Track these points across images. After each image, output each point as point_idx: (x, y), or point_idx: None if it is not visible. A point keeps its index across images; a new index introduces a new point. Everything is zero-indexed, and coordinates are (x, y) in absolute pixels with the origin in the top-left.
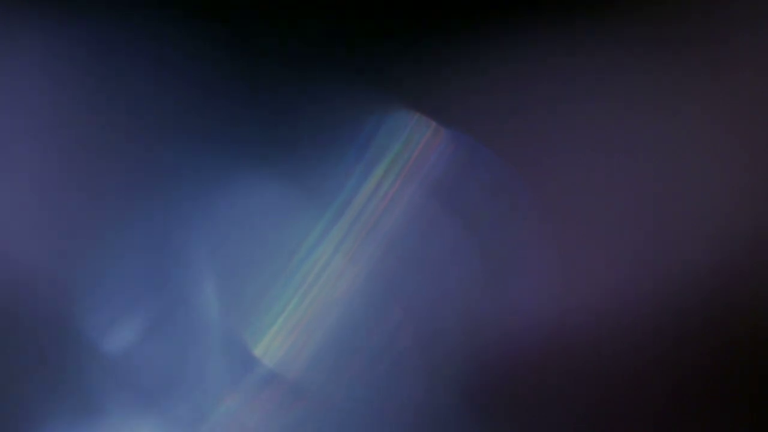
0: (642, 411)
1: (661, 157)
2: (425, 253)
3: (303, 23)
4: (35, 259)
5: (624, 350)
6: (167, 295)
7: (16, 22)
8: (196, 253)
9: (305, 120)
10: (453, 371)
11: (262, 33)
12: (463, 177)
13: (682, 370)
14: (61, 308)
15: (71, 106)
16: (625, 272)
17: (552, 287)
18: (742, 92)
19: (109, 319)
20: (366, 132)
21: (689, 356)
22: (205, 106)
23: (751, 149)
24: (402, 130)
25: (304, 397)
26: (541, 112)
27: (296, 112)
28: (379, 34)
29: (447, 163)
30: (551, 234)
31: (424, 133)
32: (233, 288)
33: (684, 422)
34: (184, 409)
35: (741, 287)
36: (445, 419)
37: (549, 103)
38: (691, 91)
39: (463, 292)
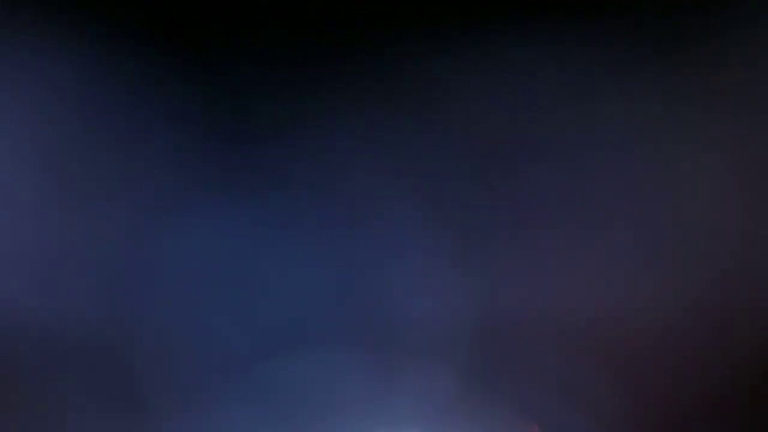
0: (656, 408)
1: (663, 159)
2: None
3: (303, 26)
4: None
5: (633, 348)
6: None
7: (21, 46)
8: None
9: (305, 123)
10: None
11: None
12: None
13: (693, 368)
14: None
15: (76, 119)
16: (631, 272)
17: (563, 288)
18: (743, 93)
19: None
20: None
21: (698, 355)
22: (205, 111)
23: (752, 150)
24: None
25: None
26: (543, 113)
27: (295, 114)
28: (380, 37)
29: None
30: (558, 237)
31: None
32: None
33: (691, 420)
34: None
35: (744, 286)
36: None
37: (551, 104)
38: (692, 93)
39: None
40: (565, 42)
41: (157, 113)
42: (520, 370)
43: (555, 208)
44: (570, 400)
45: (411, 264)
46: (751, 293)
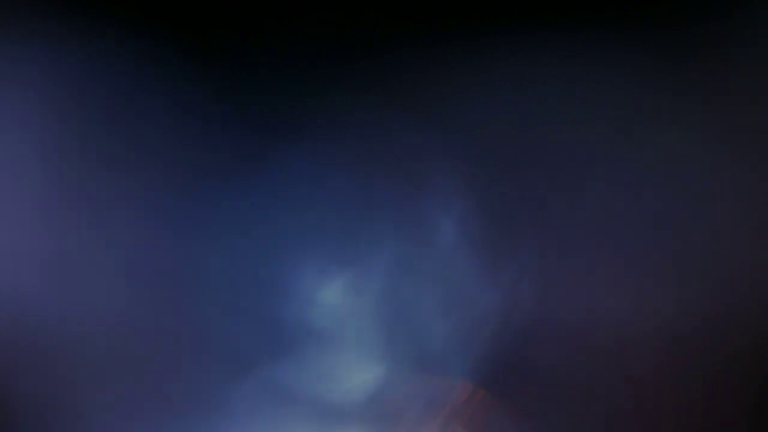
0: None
1: (665, 162)
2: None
3: (304, 27)
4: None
5: (640, 352)
6: None
7: (21, 46)
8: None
9: (307, 122)
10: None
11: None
12: None
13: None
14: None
15: (79, 116)
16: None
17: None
18: (743, 96)
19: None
20: None
21: (700, 357)
22: (207, 108)
23: (752, 154)
24: None
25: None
26: (545, 114)
27: (297, 113)
28: (381, 38)
29: None
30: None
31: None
32: None
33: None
34: None
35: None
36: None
37: (553, 106)
38: (693, 95)
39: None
40: (568, 43)
41: (160, 112)
42: (524, 372)
43: (557, 210)
44: (572, 401)
45: (411, 263)
46: (759, 296)
